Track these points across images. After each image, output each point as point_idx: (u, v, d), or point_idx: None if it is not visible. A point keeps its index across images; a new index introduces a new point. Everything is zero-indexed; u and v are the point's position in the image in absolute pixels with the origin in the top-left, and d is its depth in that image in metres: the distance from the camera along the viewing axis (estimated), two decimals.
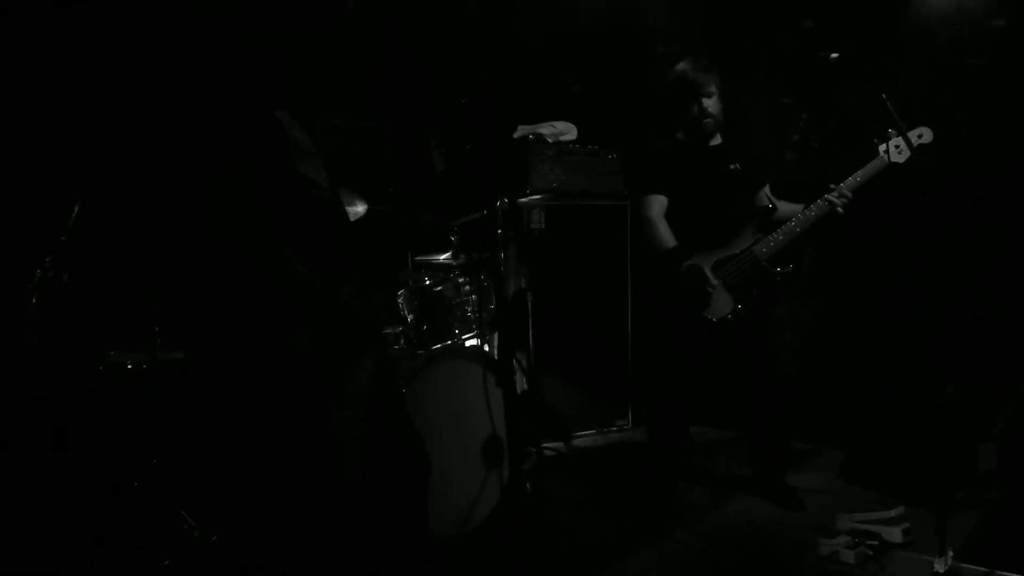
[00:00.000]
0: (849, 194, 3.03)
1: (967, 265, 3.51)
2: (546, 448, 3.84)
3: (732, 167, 3.22)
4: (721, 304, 3.05)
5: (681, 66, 3.24)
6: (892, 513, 2.78)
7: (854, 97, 3.98)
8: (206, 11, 1.74)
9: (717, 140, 3.32)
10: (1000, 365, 3.27)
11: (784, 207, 3.20)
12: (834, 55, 2.79)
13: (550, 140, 4.38)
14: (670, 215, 3.20)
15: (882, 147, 2.99)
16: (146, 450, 2.58)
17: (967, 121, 3.61)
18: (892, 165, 3.00)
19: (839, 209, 3.02)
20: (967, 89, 3.62)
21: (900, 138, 2.94)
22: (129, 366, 2.65)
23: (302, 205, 1.74)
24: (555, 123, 4.45)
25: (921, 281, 3.69)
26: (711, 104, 3.20)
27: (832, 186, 3.04)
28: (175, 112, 1.72)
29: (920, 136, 2.99)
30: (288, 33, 1.77)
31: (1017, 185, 3.40)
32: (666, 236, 3.14)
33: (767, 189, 3.30)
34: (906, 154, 2.97)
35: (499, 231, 3.80)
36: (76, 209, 2.70)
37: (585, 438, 4.34)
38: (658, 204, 3.20)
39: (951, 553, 2.30)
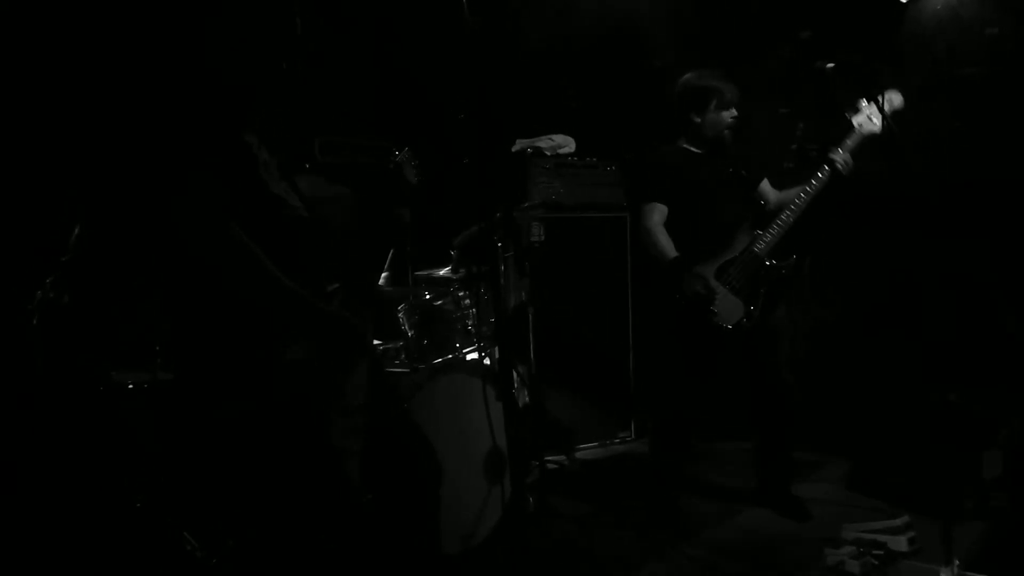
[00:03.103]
0: (841, 161, 3.01)
1: (969, 272, 3.51)
2: (549, 461, 3.83)
3: (731, 171, 3.21)
4: (732, 310, 3.02)
5: (702, 76, 3.22)
6: (898, 522, 2.76)
7: (852, 106, 3.99)
8: (177, 38, 1.78)
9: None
10: (1005, 372, 3.26)
11: (780, 195, 3.20)
12: (831, 65, 2.80)
13: (549, 153, 4.39)
14: (670, 223, 3.19)
15: (855, 119, 3.02)
16: (148, 470, 2.57)
17: (965, 129, 3.62)
18: (871, 135, 3.01)
19: (830, 179, 3.01)
20: (964, 97, 3.63)
21: (872, 105, 2.95)
22: (131, 386, 2.65)
23: (275, 223, 1.76)
24: (553, 136, 4.46)
25: (924, 289, 3.69)
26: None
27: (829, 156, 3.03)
28: (149, 131, 1.75)
29: (891, 102, 2.95)
30: (251, 61, 1.80)
31: (1017, 192, 3.41)
32: (667, 247, 3.12)
33: (766, 182, 3.29)
34: (879, 120, 2.96)
35: (499, 244, 3.81)
36: (77, 230, 2.71)
37: (588, 450, 4.33)
38: (657, 214, 3.18)
39: (957, 562, 2.29)
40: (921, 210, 3.31)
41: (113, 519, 2.48)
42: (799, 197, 3.06)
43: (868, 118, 3.02)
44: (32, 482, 2.47)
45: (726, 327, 3.01)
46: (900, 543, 2.68)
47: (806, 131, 4.18)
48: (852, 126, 3.05)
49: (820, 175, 3.05)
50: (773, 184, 3.32)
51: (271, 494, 1.77)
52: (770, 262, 3.06)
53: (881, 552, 2.64)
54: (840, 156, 3.03)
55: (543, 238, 4.14)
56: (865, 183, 3.16)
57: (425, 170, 3.34)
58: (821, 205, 3.09)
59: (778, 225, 3.06)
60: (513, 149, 4.40)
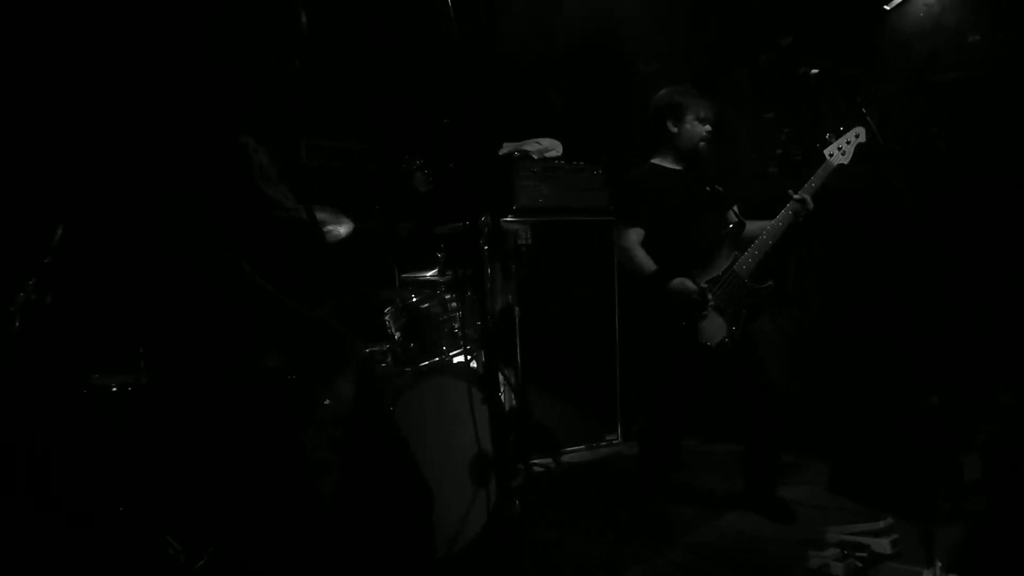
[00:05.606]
0: (808, 198, 3.08)
1: (949, 276, 3.55)
2: (535, 464, 3.83)
3: (708, 189, 3.22)
4: (715, 328, 3.02)
5: (679, 91, 3.23)
6: (881, 525, 2.78)
7: (834, 111, 4.03)
8: (173, 35, 1.75)
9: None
10: (983, 376, 3.29)
11: (753, 225, 3.24)
12: (814, 71, 2.83)
13: (535, 157, 4.40)
14: (649, 242, 3.18)
15: (827, 151, 3.10)
16: (131, 474, 2.55)
17: (943, 135, 3.66)
18: (840, 167, 3.09)
19: (800, 217, 3.08)
20: (943, 103, 3.67)
21: (841, 140, 3.08)
22: (114, 389, 2.63)
23: (268, 226, 1.74)
24: (540, 140, 4.47)
25: (904, 293, 3.72)
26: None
27: (791, 193, 3.09)
28: (135, 131, 1.72)
29: (857, 136, 3.07)
30: (260, 57, 1.78)
31: (994, 197, 3.45)
32: (646, 261, 3.12)
33: (735, 208, 3.33)
34: (849, 154, 3.08)
35: (485, 247, 3.81)
36: (59, 231, 2.69)
37: (574, 454, 4.34)
38: (634, 235, 3.18)
39: (939, 564, 2.31)
40: (901, 214, 3.35)
41: (95, 524, 2.46)
42: (767, 232, 3.09)
43: (839, 150, 3.09)
44: (13, 486, 2.45)
45: (709, 344, 3.00)
46: (883, 545, 2.70)
47: (791, 136, 4.22)
48: (823, 157, 3.10)
49: (783, 216, 3.09)
50: (759, 187, 3.34)
51: (238, 501, 1.75)
52: (751, 283, 3.08)
53: (864, 554, 2.66)
54: (801, 203, 3.07)
55: (530, 241, 4.14)
56: (845, 188, 3.19)
57: (434, 179, 3.32)
58: (798, 231, 3.15)
59: (758, 247, 3.08)
60: (500, 153, 4.41)
